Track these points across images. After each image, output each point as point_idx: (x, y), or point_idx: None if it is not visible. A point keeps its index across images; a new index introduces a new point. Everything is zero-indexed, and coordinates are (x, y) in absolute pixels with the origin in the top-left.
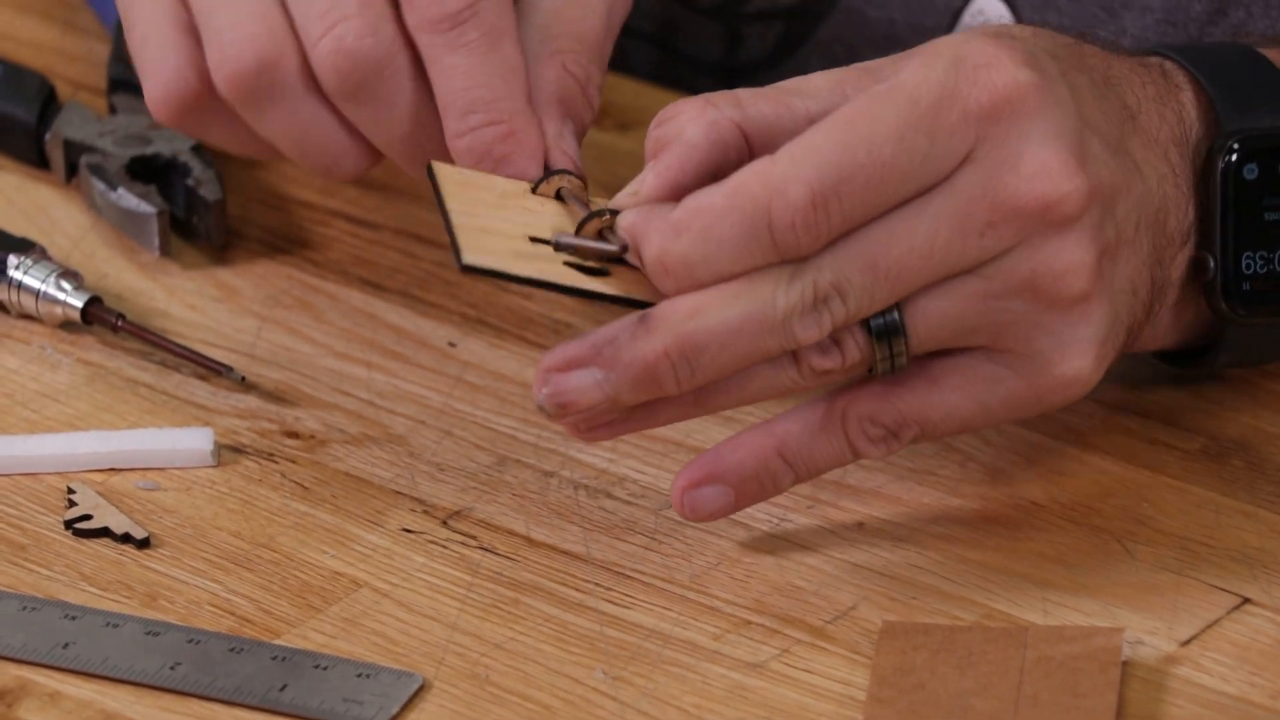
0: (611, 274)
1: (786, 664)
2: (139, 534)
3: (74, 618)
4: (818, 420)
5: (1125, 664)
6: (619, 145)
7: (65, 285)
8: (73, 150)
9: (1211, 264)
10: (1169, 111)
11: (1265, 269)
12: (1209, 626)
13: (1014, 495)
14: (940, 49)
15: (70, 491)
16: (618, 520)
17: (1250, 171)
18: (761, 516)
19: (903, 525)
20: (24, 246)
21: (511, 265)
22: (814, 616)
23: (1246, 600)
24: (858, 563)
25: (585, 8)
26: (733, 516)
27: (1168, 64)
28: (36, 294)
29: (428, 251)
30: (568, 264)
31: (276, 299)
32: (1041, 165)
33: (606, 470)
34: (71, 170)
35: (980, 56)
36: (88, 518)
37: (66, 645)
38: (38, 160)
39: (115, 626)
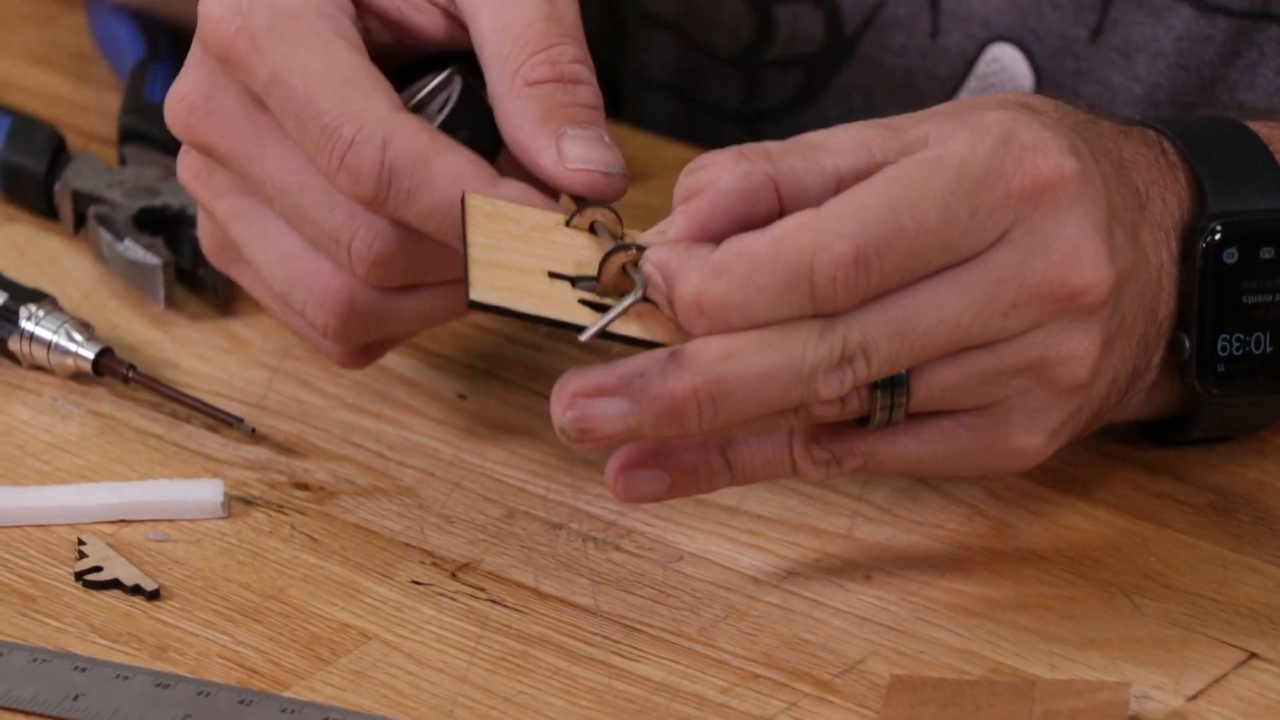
0: (629, 312)
1: (795, 717)
2: (149, 585)
3: (84, 669)
4: (766, 429)
5: (1132, 719)
6: (629, 197)
7: (77, 336)
8: (81, 201)
9: (1187, 344)
10: (1171, 195)
11: (1241, 350)
12: (1216, 681)
13: (1021, 549)
14: (989, 124)
15: (81, 543)
16: (626, 573)
17: (1230, 255)
18: (769, 570)
19: (910, 578)
20: (36, 297)
21: (520, 302)
22: (822, 670)
23: (1253, 655)
24: (865, 616)
25: (518, 4)
26: (740, 570)
27: (1165, 142)
28: (48, 345)
29: None
30: (582, 301)
31: (287, 350)
32: (1073, 253)
33: (615, 523)
34: (80, 221)
35: (1029, 138)
36: (98, 569)
37: (76, 697)
38: (48, 211)
39: (125, 679)
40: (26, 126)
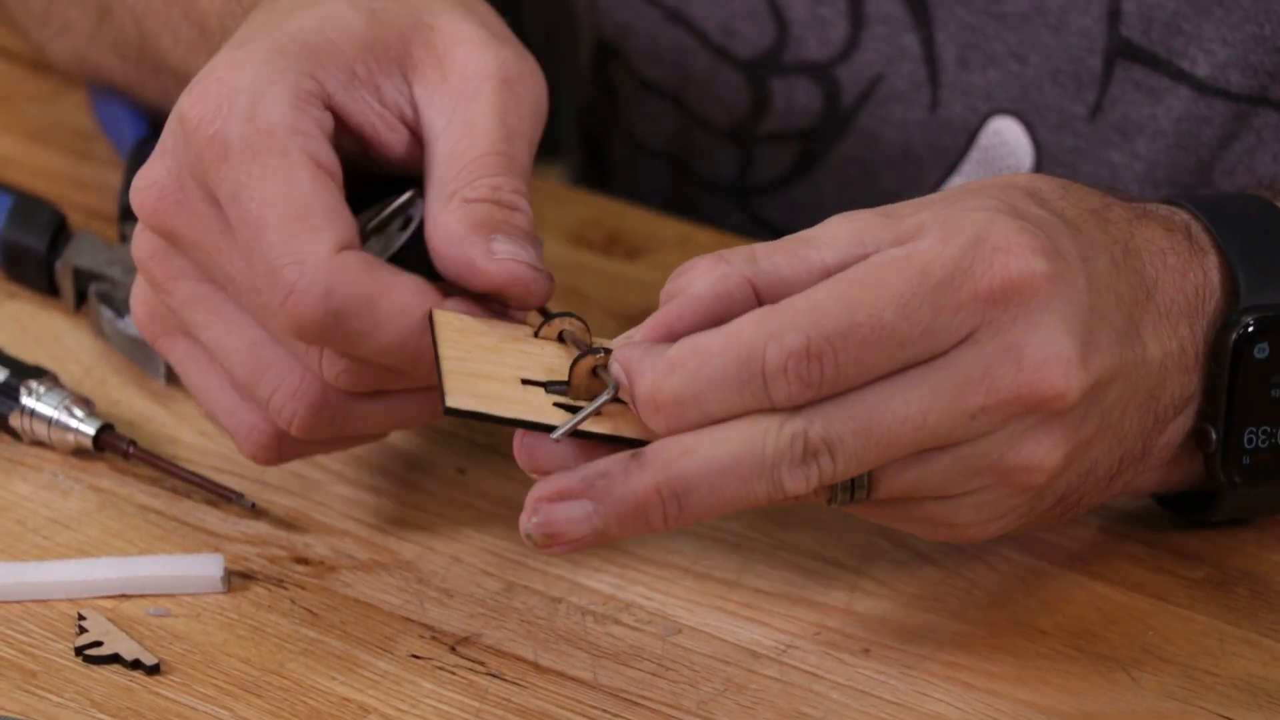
0: (602, 413)
1: None
2: (149, 660)
3: None
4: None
5: None
6: (626, 273)
7: (77, 412)
8: (82, 278)
9: (1214, 436)
10: (1188, 283)
11: (1267, 443)
12: None
13: (1019, 622)
14: (965, 224)
15: (81, 618)
16: (625, 646)
17: (1261, 351)
18: (768, 643)
19: (909, 652)
20: (37, 374)
21: (496, 407)
22: None
23: None
24: (864, 689)
25: (473, 132)
26: (739, 643)
27: (1194, 226)
28: (49, 421)
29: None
30: (558, 404)
31: None
32: (1042, 359)
33: (614, 596)
34: (80, 298)
35: (1001, 239)
36: (98, 644)
37: None
38: (49, 288)
39: None
40: (28, 206)
